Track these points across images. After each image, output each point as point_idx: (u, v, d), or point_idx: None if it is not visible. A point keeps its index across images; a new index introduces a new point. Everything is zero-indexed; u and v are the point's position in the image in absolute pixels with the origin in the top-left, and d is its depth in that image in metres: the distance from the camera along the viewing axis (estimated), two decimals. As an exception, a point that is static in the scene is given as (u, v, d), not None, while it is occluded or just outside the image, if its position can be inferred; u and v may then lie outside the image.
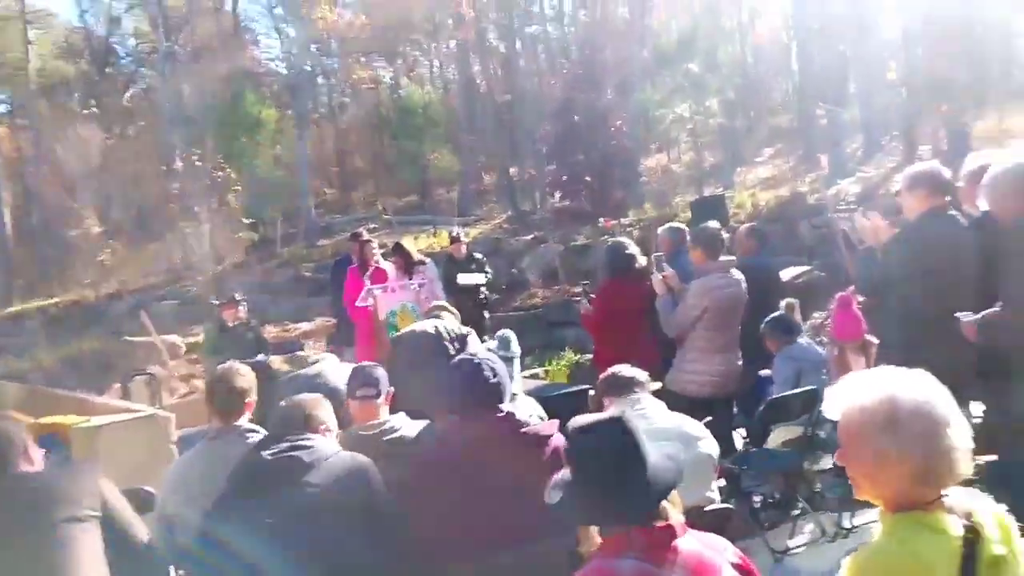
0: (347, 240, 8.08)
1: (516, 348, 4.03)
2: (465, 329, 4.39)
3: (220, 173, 18.48)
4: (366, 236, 7.62)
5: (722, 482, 4.01)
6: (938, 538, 1.50)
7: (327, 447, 2.57)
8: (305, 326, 14.51)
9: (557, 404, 4.20)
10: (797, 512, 4.23)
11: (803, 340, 5.01)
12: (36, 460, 2.44)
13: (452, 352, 4.05)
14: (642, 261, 5.07)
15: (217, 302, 8.13)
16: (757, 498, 4.30)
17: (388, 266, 7.16)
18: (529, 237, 17.07)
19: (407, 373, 3.80)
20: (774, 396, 4.35)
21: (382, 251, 7.56)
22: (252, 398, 3.05)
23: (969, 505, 1.55)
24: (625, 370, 3.21)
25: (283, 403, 2.77)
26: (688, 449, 2.96)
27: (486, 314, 8.41)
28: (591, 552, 1.80)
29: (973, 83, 16.00)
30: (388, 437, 3.00)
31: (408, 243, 8.30)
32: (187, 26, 27.42)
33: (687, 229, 5.61)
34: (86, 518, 2.28)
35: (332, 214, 27.92)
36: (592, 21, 24.12)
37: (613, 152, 18.20)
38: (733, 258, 4.81)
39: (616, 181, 18.28)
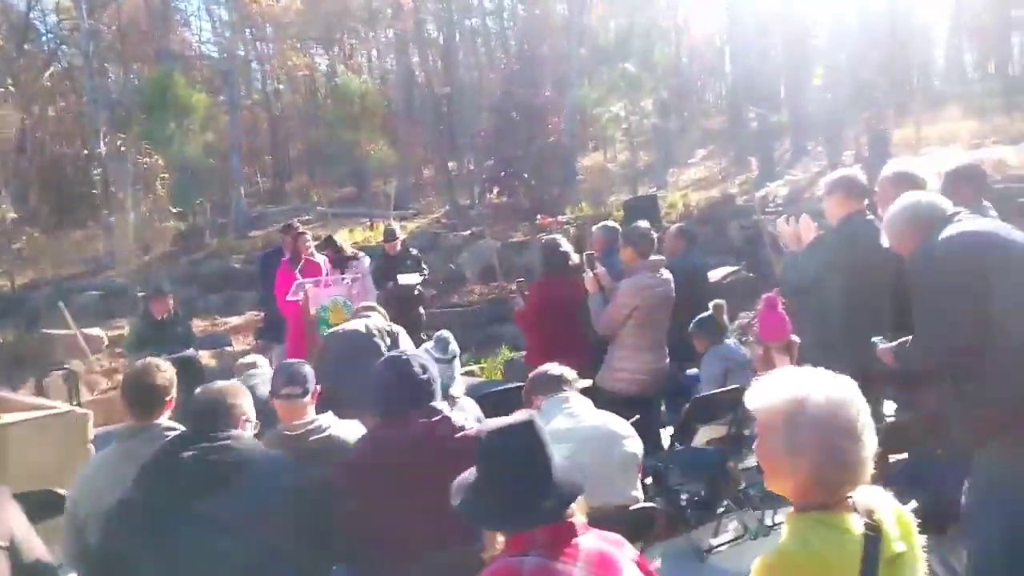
0: (279, 232, 7.90)
1: (455, 349, 4.01)
2: (396, 327, 4.35)
3: (146, 159, 17.82)
4: (300, 228, 7.46)
5: (649, 480, 4.09)
6: (839, 537, 1.55)
7: (251, 448, 2.49)
8: (234, 320, 14.16)
9: (492, 401, 4.20)
10: (722, 510, 4.32)
11: (730, 340, 5.14)
12: None
13: (384, 349, 4.01)
14: (575, 259, 5.11)
15: (143, 294, 7.85)
16: (684, 496, 4.38)
17: (322, 260, 7.04)
18: (467, 233, 17.03)
19: (337, 372, 3.75)
20: (700, 394, 4.45)
21: (315, 243, 7.41)
22: (172, 396, 2.93)
23: (871, 503, 1.61)
24: (554, 369, 3.23)
25: (200, 392, 2.62)
26: (613, 448, 3.01)
27: (422, 311, 8.35)
28: (494, 556, 1.83)
29: (893, 91, 16.68)
30: (315, 437, 2.95)
31: (341, 236, 8.18)
32: (112, 4, 26.35)
33: (620, 228, 5.68)
34: None
35: (265, 204, 27.29)
36: (531, 16, 24.19)
37: (550, 149, 18.32)
38: (663, 258, 4.90)
39: (553, 178, 18.40)
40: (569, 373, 3.23)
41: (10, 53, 26.75)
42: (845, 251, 3.77)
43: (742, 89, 21.22)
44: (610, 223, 6.08)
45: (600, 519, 2.57)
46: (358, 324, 4.26)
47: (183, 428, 2.75)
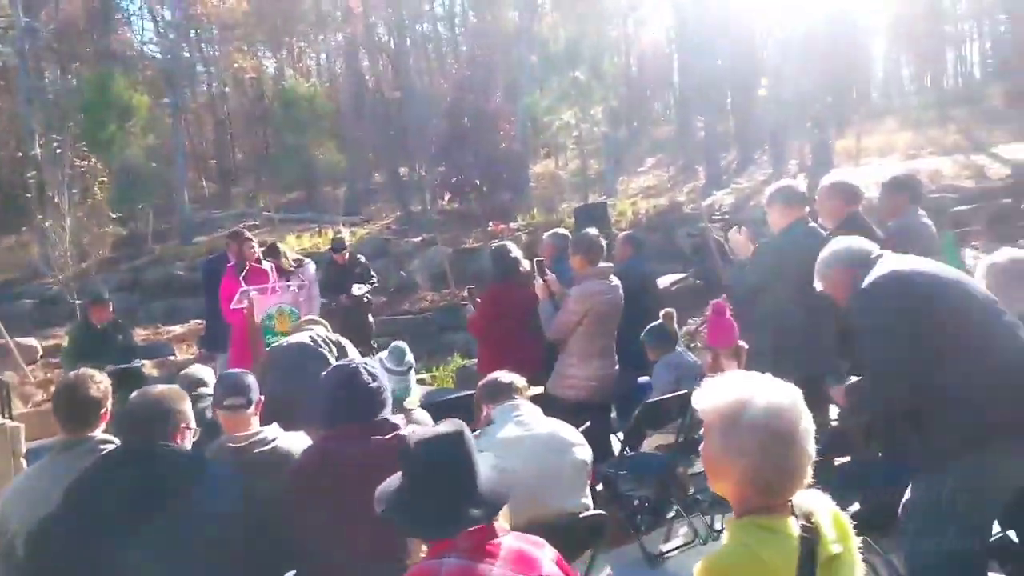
0: (226, 238, 7.72)
1: (410, 360, 3.95)
2: (344, 340, 4.27)
3: (84, 162, 17.25)
4: (246, 234, 7.30)
5: (600, 487, 4.10)
6: (778, 540, 1.56)
7: (197, 463, 2.39)
8: (178, 329, 13.78)
9: (443, 410, 4.15)
10: (672, 515, 4.35)
11: (681, 348, 5.18)
12: None
13: (331, 360, 3.93)
14: (526, 265, 5.11)
15: (79, 302, 7.59)
16: (635, 502, 4.40)
17: (269, 266, 6.89)
18: (418, 239, 16.93)
19: (284, 384, 3.66)
20: (649, 400, 4.47)
21: (261, 249, 7.26)
22: (107, 408, 2.80)
23: (809, 506, 1.63)
24: (504, 376, 3.21)
25: (137, 398, 2.48)
26: (563, 455, 3.00)
27: (371, 318, 8.27)
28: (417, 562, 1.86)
29: (835, 104, 17.19)
30: (260, 449, 2.87)
31: (289, 243, 8.03)
32: (50, 2, 25.52)
33: (570, 235, 5.70)
34: None
35: (210, 210, 26.71)
36: (482, 23, 24.23)
37: (502, 156, 18.34)
38: (611, 265, 4.93)
39: (505, 185, 18.43)
40: (519, 381, 3.22)
41: (-60, 51, 25.73)
42: (787, 257, 3.88)
43: (690, 99, 21.60)
44: (560, 230, 6.10)
45: (550, 526, 2.56)
46: (303, 336, 4.17)
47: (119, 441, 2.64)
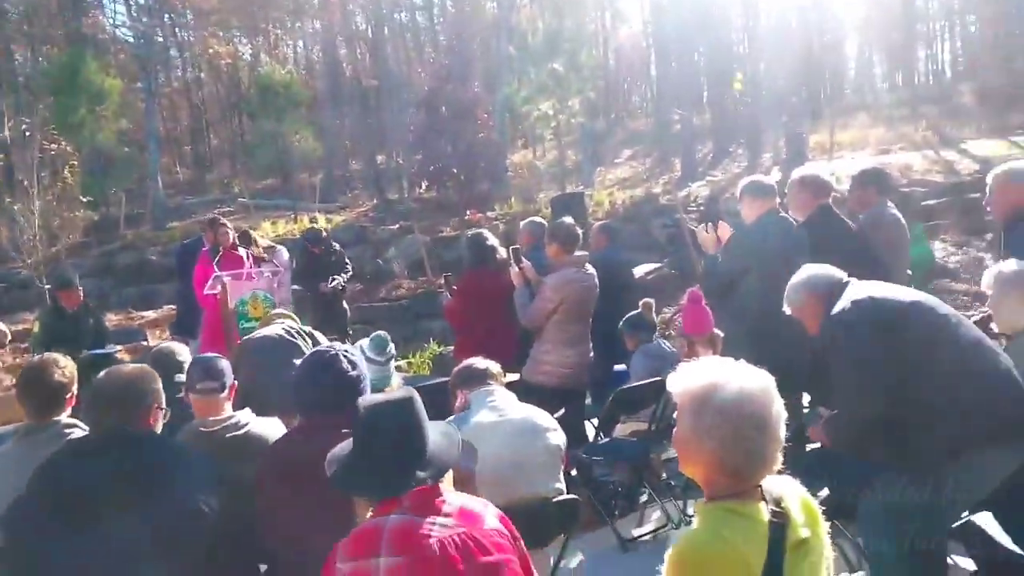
0: (204, 224, 7.63)
1: (392, 350, 3.92)
2: (317, 333, 4.25)
3: (54, 145, 16.91)
4: (222, 220, 7.23)
5: (573, 472, 4.13)
6: (746, 524, 1.58)
7: (174, 451, 2.35)
8: (150, 314, 13.60)
9: (420, 397, 4.14)
10: (644, 500, 4.39)
11: (658, 338, 5.21)
12: None
13: (305, 350, 3.90)
14: (502, 253, 5.12)
15: (48, 286, 7.45)
16: (608, 487, 4.44)
17: (244, 252, 6.83)
18: (395, 227, 16.85)
19: (258, 374, 3.64)
20: (623, 387, 4.51)
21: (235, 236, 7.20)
22: (72, 392, 2.76)
23: (779, 491, 1.65)
24: (479, 362, 3.22)
25: (105, 378, 2.41)
26: (537, 440, 3.02)
27: (346, 306, 8.23)
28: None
29: (809, 100, 17.36)
30: (232, 434, 2.85)
31: (262, 230, 7.96)
32: (19, -18, 24.97)
33: (547, 224, 5.72)
34: None
35: (184, 195, 26.36)
36: (460, 13, 24.10)
37: (479, 145, 18.27)
38: (587, 253, 4.95)
39: (482, 174, 18.37)
40: (494, 367, 3.23)
41: (-97, 30, 25.08)
42: (760, 245, 3.97)
43: (667, 92, 21.69)
44: (537, 219, 6.12)
45: (524, 510, 2.58)
46: (274, 328, 4.14)
47: (85, 426, 2.59)
